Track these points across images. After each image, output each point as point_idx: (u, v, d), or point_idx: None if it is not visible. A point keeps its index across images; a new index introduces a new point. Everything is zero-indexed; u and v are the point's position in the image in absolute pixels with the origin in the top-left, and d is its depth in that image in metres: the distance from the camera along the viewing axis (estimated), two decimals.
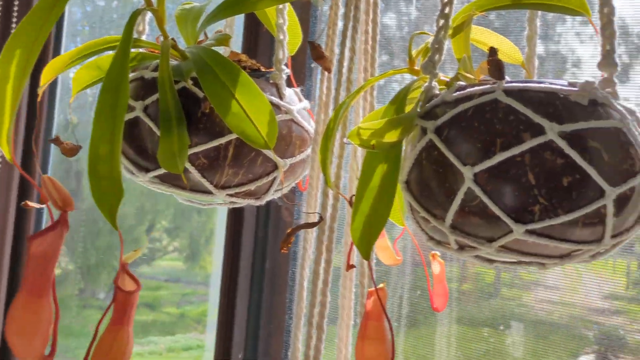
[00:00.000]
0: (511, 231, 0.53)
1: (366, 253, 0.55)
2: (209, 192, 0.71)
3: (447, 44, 0.60)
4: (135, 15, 0.67)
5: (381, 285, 0.60)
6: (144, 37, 0.76)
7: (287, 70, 0.75)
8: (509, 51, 0.68)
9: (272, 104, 0.69)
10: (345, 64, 0.68)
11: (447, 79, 0.61)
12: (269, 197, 0.75)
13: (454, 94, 0.56)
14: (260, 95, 0.64)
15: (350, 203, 0.66)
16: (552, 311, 1.01)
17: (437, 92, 0.59)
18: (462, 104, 0.55)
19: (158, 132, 0.66)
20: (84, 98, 1.68)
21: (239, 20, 0.94)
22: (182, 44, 0.74)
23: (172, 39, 0.70)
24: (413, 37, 0.65)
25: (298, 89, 0.78)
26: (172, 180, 0.70)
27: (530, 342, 1.01)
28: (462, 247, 0.58)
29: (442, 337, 1.07)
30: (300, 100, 0.76)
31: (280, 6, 0.72)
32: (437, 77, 0.59)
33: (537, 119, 0.52)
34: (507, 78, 0.56)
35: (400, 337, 1.10)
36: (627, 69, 0.98)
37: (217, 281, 1.22)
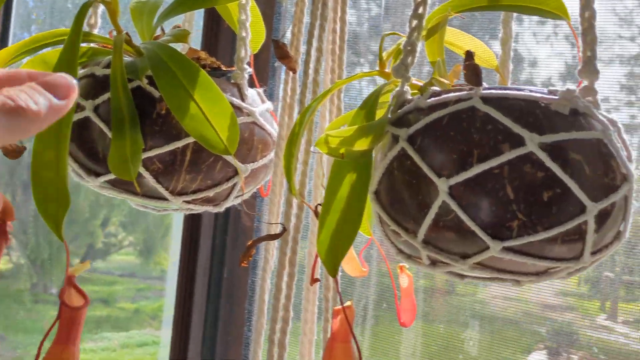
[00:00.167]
0: (488, 248, 0.50)
1: (333, 270, 0.51)
2: (164, 199, 0.66)
3: (421, 45, 0.57)
4: (85, 7, 0.62)
5: (348, 303, 0.57)
6: (96, 31, 0.71)
7: (250, 70, 0.71)
8: (483, 55, 0.65)
9: (233, 105, 0.65)
10: (312, 65, 0.64)
11: (420, 83, 0.58)
12: (228, 203, 0.71)
13: (428, 100, 0.53)
14: (220, 97, 0.59)
15: (316, 213, 0.63)
16: (506, 307, 1.00)
17: (410, 97, 0.56)
18: (436, 111, 0.51)
19: (109, 134, 0.62)
20: None
21: (198, 15, 0.89)
22: (137, 40, 0.69)
23: (126, 33, 0.65)
24: (384, 37, 0.61)
25: (261, 90, 0.73)
26: (124, 185, 0.65)
27: (485, 338, 1.00)
28: (434, 263, 0.54)
29: (398, 333, 1.05)
30: (263, 101, 0.72)
31: (243, 1, 0.68)
32: (410, 81, 0.56)
33: (516, 129, 0.49)
34: (485, 84, 0.52)
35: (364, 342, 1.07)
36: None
37: (173, 276, 1.17)
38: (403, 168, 0.52)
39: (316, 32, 0.64)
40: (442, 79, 0.56)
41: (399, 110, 0.54)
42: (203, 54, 0.71)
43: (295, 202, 0.63)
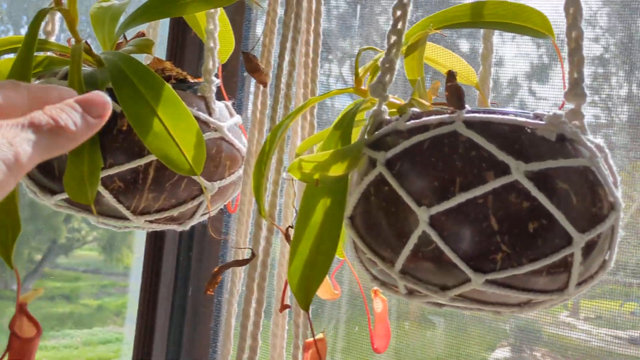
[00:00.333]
0: (469, 280, 0.47)
1: (305, 303, 0.48)
2: (125, 218, 0.62)
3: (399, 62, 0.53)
4: (41, 13, 0.58)
5: (320, 335, 0.53)
6: (53, 39, 0.67)
7: (217, 81, 0.67)
8: (463, 72, 0.62)
9: (200, 120, 0.61)
10: (284, 79, 0.60)
11: (399, 102, 0.55)
12: (193, 222, 0.67)
13: (408, 123, 0.50)
14: (186, 113, 0.56)
15: (286, 236, 0.59)
16: None
17: (387, 117, 0.53)
18: (416, 134, 0.48)
19: None
20: None
21: (164, 22, 0.85)
22: (98, 48, 0.65)
23: (86, 42, 0.61)
24: (360, 52, 0.58)
25: (229, 102, 0.70)
26: (82, 205, 0.61)
27: (450, 335, 0.99)
28: (411, 292, 0.51)
29: (365, 329, 1.03)
30: (231, 114, 0.68)
31: (212, 10, 0.64)
32: (387, 100, 0.53)
33: (501, 156, 0.46)
34: (467, 107, 0.50)
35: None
36: (547, 69, 0.98)
37: (137, 273, 1.14)
38: (381, 194, 0.49)
39: (289, 45, 0.61)
40: (422, 100, 0.53)
41: (377, 132, 0.51)
42: (168, 65, 0.67)
43: (264, 224, 0.60)
